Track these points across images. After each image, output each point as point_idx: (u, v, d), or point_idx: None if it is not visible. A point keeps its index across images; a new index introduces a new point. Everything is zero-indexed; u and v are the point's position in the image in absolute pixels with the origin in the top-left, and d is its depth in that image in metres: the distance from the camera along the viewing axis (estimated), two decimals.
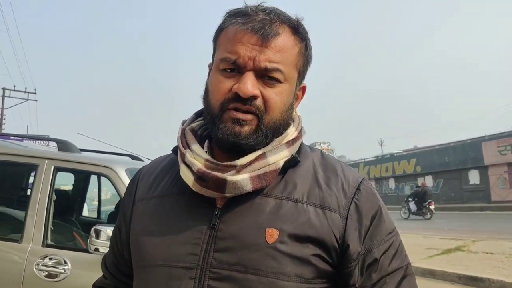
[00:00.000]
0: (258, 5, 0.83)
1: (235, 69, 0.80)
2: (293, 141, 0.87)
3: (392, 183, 32.48)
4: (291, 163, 0.84)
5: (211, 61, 0.89)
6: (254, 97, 0.79)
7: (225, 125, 0.80)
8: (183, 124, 0.93)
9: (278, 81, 0.81)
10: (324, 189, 0.83)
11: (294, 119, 0.91)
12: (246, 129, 0.80)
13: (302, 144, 0.91)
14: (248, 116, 0.80)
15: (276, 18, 0.81)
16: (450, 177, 27.30)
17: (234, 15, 0.82)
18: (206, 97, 0.85)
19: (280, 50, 0.80)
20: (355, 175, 0.88)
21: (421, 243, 9.61)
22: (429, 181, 28.64)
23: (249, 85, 0.77)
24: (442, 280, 6.45)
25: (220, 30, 0.85)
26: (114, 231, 1.02)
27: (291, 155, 0.85)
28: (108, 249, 1.07)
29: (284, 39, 0.81)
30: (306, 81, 0.92)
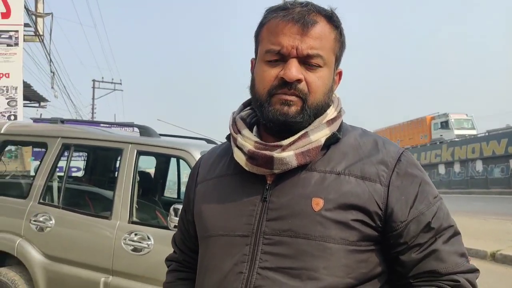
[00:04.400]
0: (295, 0, 0.92)
1: (279, 59, 0.89)
2: (332, 120, 0.94)
3: (479, 166, 30.17)
4: (333, 140, 0.92)
5: (254, 57, 0.98)
6: (298, 81, 0.87)
7: (274, 107, 0.89)
8: (233, 114, 1.03)
9: (318, 66, 0.89)
10: (365, 161, 0.90)
11: (334, 101, 0.99)
12: (293, 109, 0.88)
13: (342, 122, 0.98)
14: (294, 98, 0.88)
15: (313, 8, 0.90)
16: None
17: (273, 11, 0.92)
18: (253, 87, 0.95)
19: (319, 37, 0.88)
20: (396, 148, 0.94)
21: (510, 229, 8.88)
22: None
23: (294, 70, 0.86)
24: None
25: (261, 26, 0.94)
26: (181, 212, 1.16)
27: (331, 132, 0.92)
28: None
29: (322, 27, 0.89)
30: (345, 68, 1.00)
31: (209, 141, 4.03)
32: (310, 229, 0.84)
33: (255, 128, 0.98)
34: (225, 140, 1.06)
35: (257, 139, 0.93)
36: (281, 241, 0.85)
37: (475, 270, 0.87)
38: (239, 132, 0.96)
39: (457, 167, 31.86)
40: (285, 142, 0.89)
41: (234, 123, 1.00)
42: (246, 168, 0.92)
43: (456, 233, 0.89)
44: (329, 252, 0.83)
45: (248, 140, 0.93)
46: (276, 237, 0.85)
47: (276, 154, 0.88)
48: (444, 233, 0.87)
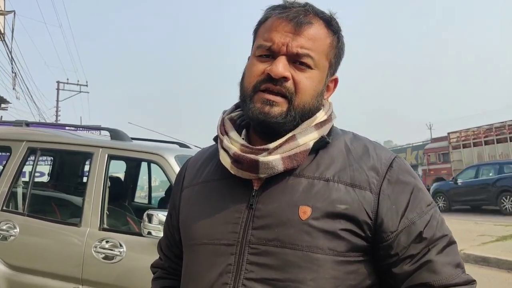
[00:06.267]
0: (295, 1, 0.90)
1: (270, 55, 0.87)
2: (322, 123, 0.91)
3: None
4: (321, 144, 0.89)
5: (250, 55, 0.95)
6: (285, 79, 0.85)
7: (255, 105, 0.86)
8: (223, 114, 0.99)
9: (308, 66, 0.86)
10: (355, 168, 0.86)
11: (325, 105, 0.95)
12: (276, 109, 0.85)
13: (333, 127, 0.95)
14: (278, 98, 0.85)
15: (311, 10, 0.88)
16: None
17: (272, 9, 0.91)
18: (242, 81, 0.92)
19: (312, 38, 0.86)
20: (387, 154, 0.91)
21: (472, 229, 9.25)
22: None
23: (281, 67, 0.84)
24: (497, 268, 6.21)
25: (259, 24, 0.93)
26: (166, 217, 1.11)
27: (320, 136, 0.89)
28: (161, 233, 1.15)
29: (317, 29, 0.88)
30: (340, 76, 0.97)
31: (182, 145, 3.97)
32: (297, 238, 0.80)
33: (244, 131, 0.95)
34: (213, 142, 1.02)
35: (244, 142, 0.89)
36: (267, 251, 0.81)
37: (471, 281, 0.83)
38: (227, 133, 0.93)
39: (421, 170, 32.88)
40: (272, 145, 0.86)
41: (222, 123, 0.96)
42: (232, 172, 0.88)
43: (451, 243, 0.85)
44: (317, 263, 0.80)
45: (235, 142, 0.90)
46: (262, 247, 0.82)
47: (262, 158, 0.84)
48: (437, 243, 0.83)
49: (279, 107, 0.85)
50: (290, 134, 0.87)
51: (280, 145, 0.86)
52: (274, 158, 0.84)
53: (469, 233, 8.65)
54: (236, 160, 0.87)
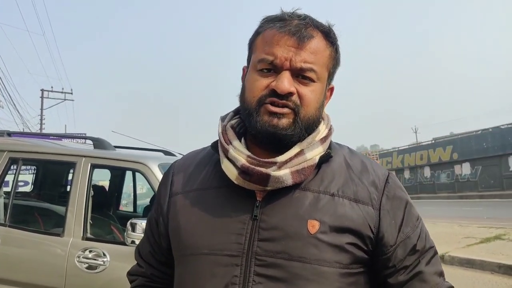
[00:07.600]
0: (293, 12, 0.90)
1: (272, 69, 0.87)
2: (325, 138, 0.93)
3: (427, 172, 31.62)
4: (325, 158, 0.91)
5: (246, 64, 0.96)
6: (291, 94, 0.85)
7: (262, 118, 0.86)
8: (222, 121, 0.98)
9: (311, 80, 0.88)
10: (357, 183, 0.90)
11: (324, 118, 0.97)
12: (284, 121, 0.86)
13: (331, 140, 0.97)
14: (285, 110, 0.86)
15: (311, 23, 0.88)
16: (489, 164, 26.26)
17: (271, 20, 0.90)
18: (243, 95, 0.92)
19: (314, 52, 0.87)
20: (382, 170, 0.96)
21: (457, 232, 9.37)
22: (466, 168, 27.73)
23: (286, 82, 0.84)
24: (481, 270, 6.25)
25: (257, 34, 0.92)
26: (149, 222, 1.06)
27: (325, 151, 0.92)
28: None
29: (318, 42, 0.88)
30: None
31: (166, 152, 3.96)
32: (305, 252, 0.82)
33: (242, 140, 0.94)
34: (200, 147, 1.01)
35: (249, 153, 0.89)
36: (274, 263, 0.82)
37: None
38: (230, 142, 0.92)
39: (406, 173, 33.21)
40: (280, 159, 0.87)
41: (224, 131, 0.95)
42: (236, 182, 0.88)
43: (435, 253, 0.92)
44: (323, 276, 0.82)
45: (240, 153, 0.89)
46: (269, 259, 0.82)
47: (273, 172, 0.85)
48: (426, 254, 0.90)
49: (286, 118, 0.86)
50: (298, 149, 0.89)
51: (289, 159, 0.87)
52: (284, 172, 0.85)
53: (455, 235, 8.75)
54: (245, 172, 0.86)
